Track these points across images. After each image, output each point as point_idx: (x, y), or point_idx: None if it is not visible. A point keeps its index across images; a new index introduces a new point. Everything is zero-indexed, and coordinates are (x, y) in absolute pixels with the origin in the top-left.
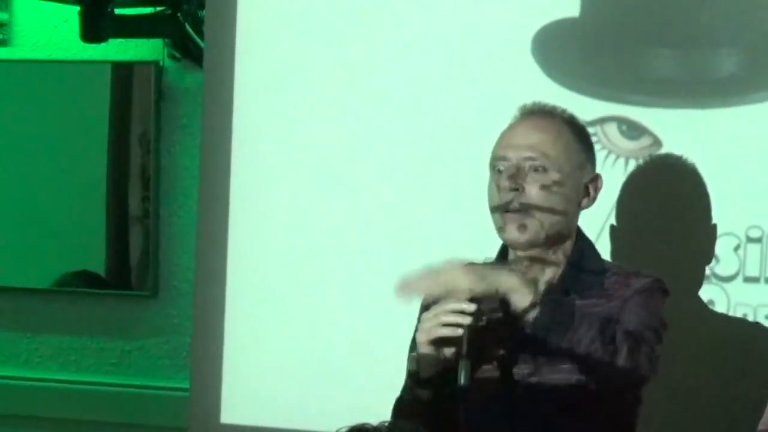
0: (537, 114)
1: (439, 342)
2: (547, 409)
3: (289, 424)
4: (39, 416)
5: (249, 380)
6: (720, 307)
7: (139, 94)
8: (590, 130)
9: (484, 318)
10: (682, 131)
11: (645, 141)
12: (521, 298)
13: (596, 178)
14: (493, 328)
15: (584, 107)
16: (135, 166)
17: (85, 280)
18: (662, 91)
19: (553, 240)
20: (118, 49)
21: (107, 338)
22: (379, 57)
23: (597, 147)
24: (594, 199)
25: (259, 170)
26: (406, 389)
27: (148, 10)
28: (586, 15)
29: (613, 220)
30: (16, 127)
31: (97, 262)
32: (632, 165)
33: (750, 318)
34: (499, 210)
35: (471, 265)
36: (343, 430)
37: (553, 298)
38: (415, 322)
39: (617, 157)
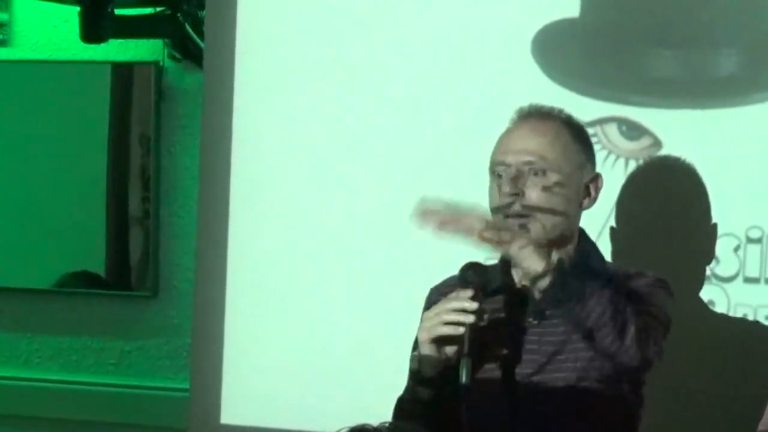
0: (534, 116)
1: (441, 340)
2: (548, 409)
3: (289, 425)
4: (39, 416)
5: (249, 380)
6: (720, 308)
7: (139, 94)
8: (590, 130)
9: (485, 317)
10: (682, 131)
11: (645, 141)
12: (533, 264)
13: (597, 178)
14: (496, 327)
15: (584, 107)
16: (135, 166)
17: (85, 280)
18: (662, 91)
19: (555, 241)
20: (118, 49)
21: (107, 338)
22: (379, 57)
23: (597, 147)
24: (595, 198)
25: (259, 170)
26: (408, 388)
27: (148, 10)
28: (586, 15)
29: (613, 221)
30: (16, 127)
31: (97, 262)
32: (632, 165)
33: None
34: (501, 214)
35: (492, 221)
36: (344, 430)
37: (566, 269)
38: (417, 321)
39: (617, 157)
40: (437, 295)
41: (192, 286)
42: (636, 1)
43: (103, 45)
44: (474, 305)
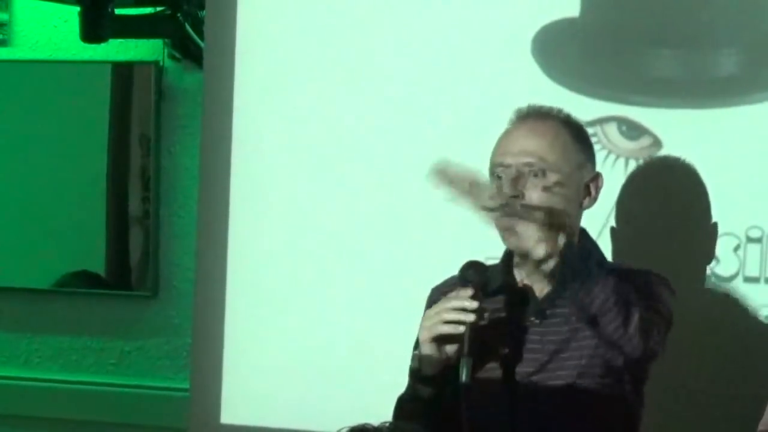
0: (533, 117)
1: (441, 339)
2: (549, 409)
3: (289, 424)
4: (39, 416)
5: (249, 380)
6: (720, 308)
7: (139, 94)
8: (590, 130)
9: (486, 316)
10: (682, 131)
11: (645, 141)
12: (538, 247)
13: (597, 177)
14: (497, 326)
15: (584, 107)
16: (135, 166)
17: (85, 280)
18: (662, 91)
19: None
20: (118, 49)
21: (107, 338)
22: (379, 57)
23: (597, 147)
24: (596, 198)
25: (259, 170)
26: (408, 387)
27: (148, 10)
28: (586, 15)
29: (613, 221)
30: (16, 127)
31: (97, 262)
32: (632, 165)
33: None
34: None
35: (506, 201)
36: (344, 430)
37: (573, 251)
38: (417, 321)
39: (617, 157)
40: (438, 294)
41: (192, 286)
42: (636, 1)
43: (103, 45)
44: (474, 304)
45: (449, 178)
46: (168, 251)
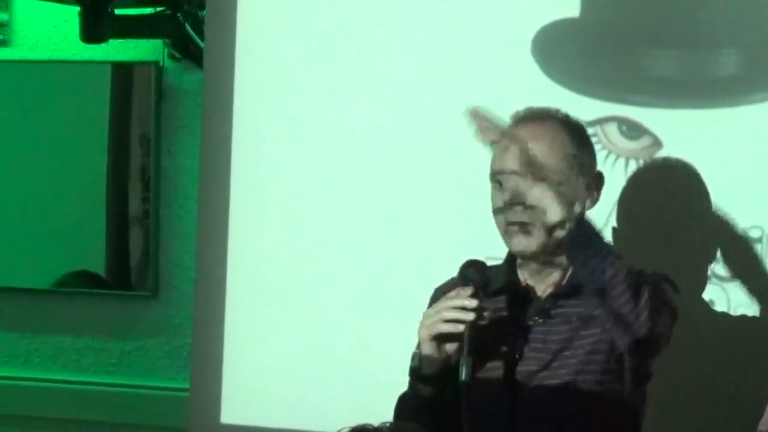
0: (531, 120)
1: (441, 338)
2: (550, 408)
3: (289, 424)
4: (39, 416)
5: (249, 380)
6: (720, 308)
7: (139, 94)
8: (590, 130)
9: (486, 315)
10: (682, 131)
11: (645, 141)
12: (552, 212)
13: (598, 176)
14: (500, 326)
15: (584, 107)
16: (135, 166)
17: (85, 280)
18: (662, 91)
19: (560, 244)
20: (118, 49)
21: (107, 338)
22: (379, 57)
23: (597, 147)
24: (597, 197)
25: (259, 170)
26: (409, 386)
27: (148, 10)
28: (586, 15)
29: (613, 221)
30: (16, 127)
31: (97, 262)
32: (632, 165)
33: None
34: (504, 223)
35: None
36: (345, 430)
37: (584, 221)
38: (418, 321)
39: (617, 157)
40: (440, 294)
41: (192, 286)
42: (636, 1)
43: (103, 45)
44: (474, 303)
45: (484, 117)
46: (168, 251)
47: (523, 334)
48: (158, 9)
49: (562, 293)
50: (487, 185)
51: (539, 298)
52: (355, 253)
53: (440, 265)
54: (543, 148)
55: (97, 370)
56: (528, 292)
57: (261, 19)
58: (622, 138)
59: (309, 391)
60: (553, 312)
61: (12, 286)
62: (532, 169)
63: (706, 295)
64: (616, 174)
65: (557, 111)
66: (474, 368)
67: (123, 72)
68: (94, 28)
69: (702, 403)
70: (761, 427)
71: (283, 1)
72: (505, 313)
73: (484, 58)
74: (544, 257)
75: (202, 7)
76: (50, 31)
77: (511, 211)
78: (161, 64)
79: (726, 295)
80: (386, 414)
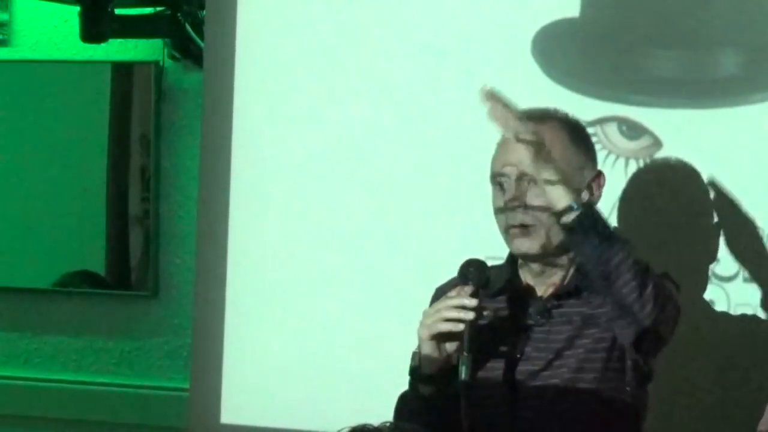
0: (530, 121)
1: (441, 337)
2: (551, 408)
3: (289, 424)
4: (39, 416)
5: (249, 380)
6: (720, 308)
7: (139, 94)
8: (590, 130)
9: (486, 314)
10: (682, 131)
11: (645, 141)
12: (559, 198)
13: (599, 176)
14: (501, 325)
15: (584, 107)
16: (135, 166)
17: (85, 280)
18: (662, 91)
19: (561, 245)
20: (118, 49)
21: (107, 338)
22: (379, 57)
23: (597, 147)
24: (599, 197)
25: (259, 170)
26: (409, 385)
27: (148, 10)
28: (586, 15)
29: (613, 221)
30: (16, 127)
31: (97, 262)
32: (632, 165)
33: None
34: (505, 224)
35: (534, 142)
36: (345, 430)
37: (593, 207)
38: (418, 321)
39: (617, 157)
40: (441, 294)
41: (192, 286)
42: (636, 1)
43: (103, 45)
44: (473, 302)
45: (498, 98)
46: (168, 251)
47: (524, 333)
48: (158, 9)
49: (563, 293)
50: (487, 185)
51: (540, 298)
52: (355, 253)
53: (440, 265)
54: (543, 148)
55: (97, 370)
56: (529, 292)
57: (261, 19)
58: (622, 138)
59: (309, 391)
60: (554, 312)
61: (12, 286)
62: (533, 169)
63: (706, 295)
64: (616, 174)
65: (556, 111)
66: (474, 368)
67: (123, 72)
68: (94, 28)
69: (702, 403)
70: (761, 427)
71: (283, 1)
72: (506, 313)
73: (484, 58)
74: (545, 258)
75: (202, 7)
76: (50, 31)
77: (511, 213)
78: (161, 63)
79: (726, 295)
80: (387, 414)
